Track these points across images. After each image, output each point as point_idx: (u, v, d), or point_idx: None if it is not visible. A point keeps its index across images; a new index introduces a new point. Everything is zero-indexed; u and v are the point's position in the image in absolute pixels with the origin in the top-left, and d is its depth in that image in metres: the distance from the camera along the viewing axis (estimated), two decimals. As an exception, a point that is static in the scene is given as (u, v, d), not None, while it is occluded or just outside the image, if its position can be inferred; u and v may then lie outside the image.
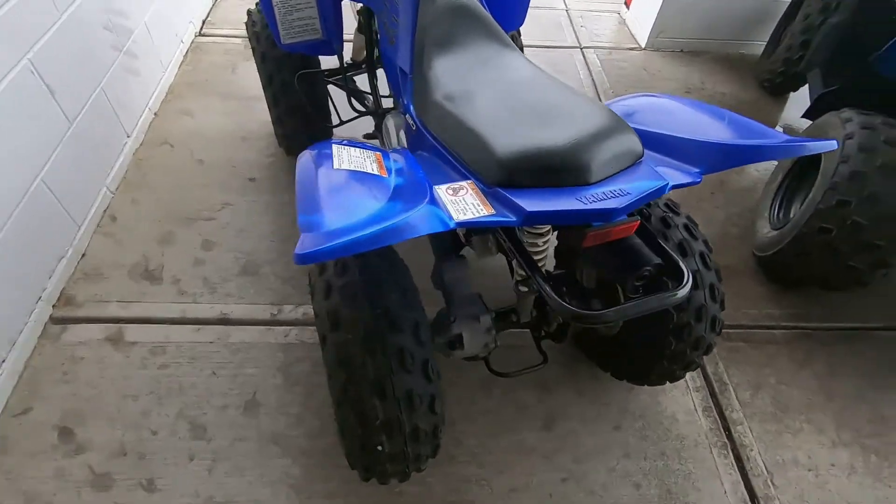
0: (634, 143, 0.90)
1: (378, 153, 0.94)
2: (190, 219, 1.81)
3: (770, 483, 1.34)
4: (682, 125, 0.97)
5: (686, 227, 1.18)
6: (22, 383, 1.38)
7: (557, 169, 0.83)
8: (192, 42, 2.58)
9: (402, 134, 1.43)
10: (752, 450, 1.40)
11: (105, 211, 1.80)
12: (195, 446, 1.30)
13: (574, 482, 1.31)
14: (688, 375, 1.51)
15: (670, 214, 1.19)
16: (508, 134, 0.88)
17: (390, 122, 1.50)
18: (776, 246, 1.68)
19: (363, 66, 1.75)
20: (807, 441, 1.42)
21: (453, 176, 0.93)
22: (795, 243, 1.59)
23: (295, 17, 1.52)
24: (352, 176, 0.85)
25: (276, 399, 1.40)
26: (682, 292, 0.86)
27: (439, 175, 0.94)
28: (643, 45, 2.88)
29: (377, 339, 0.93)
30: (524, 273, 1.06)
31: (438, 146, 1.01)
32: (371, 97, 1.69)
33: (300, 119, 1.80)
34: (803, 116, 1.85)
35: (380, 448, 0.97)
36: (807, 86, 1.97)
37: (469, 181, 0.88)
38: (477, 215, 0.78)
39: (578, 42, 2.89)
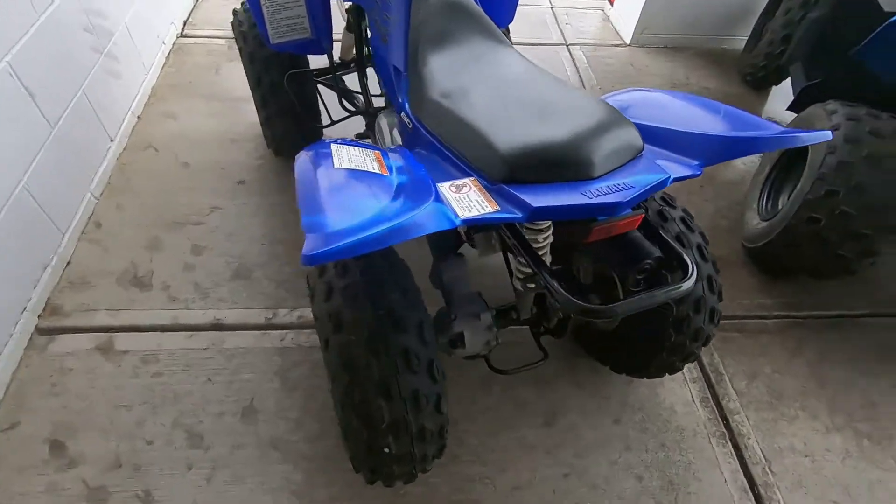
0: (634, 137, 0.90)
1: (377, 152, 0.93)
2: (178, 223, 1.77)
3: (768, 470, 1.36)
4: (678, 119, 0.97)
5: (683, 219, 1.19)
6: (8, 397, 1.34)
7: (562, 164, 0.83)
8: (174, 43, 2.53)
9: (395, 132, 1.42)
10: (749, 438, 1.42)
11: (90, 217, 1.75)
12: (193, 455, 1.28)
13: (576, 477, 1.31)
14: (685, 367, 1.52)
15: (667, 208, 1.20)
16: (509, 130, 0.88)
17: (383, 121, 1.48)
18: (766, 237, 1.70)
19: (352, 65, 1.73)
20: (802, 428, 1.45)
21: (453, 173, 0.92)
22: (785, 234, 1.62)
23: (283, 17, 1.49)
24: (353, 175, 0.83)
25: (275, 404, 1.38)
26: (688, 284, 0.86)
27: (439, 172, 0.93)
28: (628, 42, 2.90)
29: (381, 340, 0.92)
30: (527, 270, 1.05)
31: (437, 143, 1.01)
32: (361, 96, 1.67)
33: (290, 120, 1.77)
34: (788, 109, 1.89)
35: (386, 450, 0.95)
36: (789, 79, 2.01)
37: (472, 178, 0.87)
38: (482, 212, 0.78)
39: (564, 39, 2.90)
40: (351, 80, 1.78)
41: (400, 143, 1.30)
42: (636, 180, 0.83)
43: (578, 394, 1.46)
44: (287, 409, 1.37)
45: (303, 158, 0.92)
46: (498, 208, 0.79)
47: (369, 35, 1.55)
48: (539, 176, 0.83)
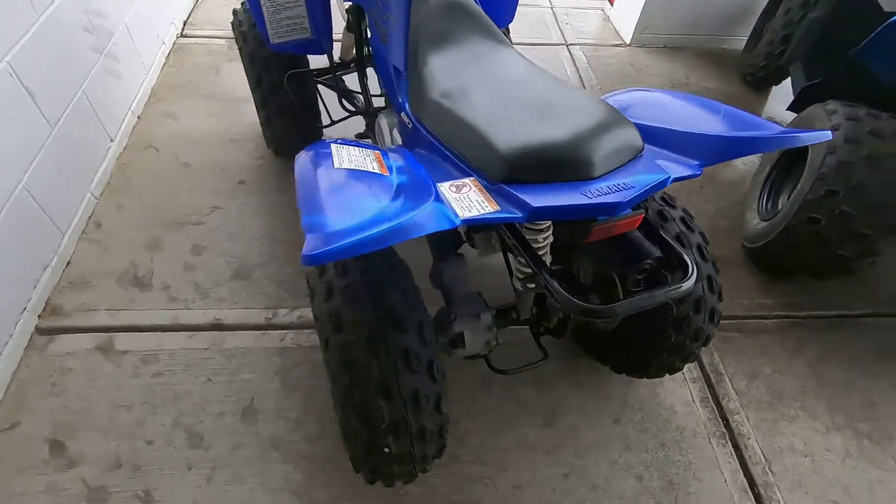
0: (634, 137, 0.90)
1: (377, 152, 0.93)
2: (178, 223, 1.77)
3: (768, 470, 1.36)
4: (678, 119, 0.97)
5: (683, 219, 1.19)
6: (9, 397, 1.34)
7: (561, 164, 0.83)
8: (174, 43, 2.53)
9: (395, 132, 1.42)
10: (749, 438, 1.42)
11: (90, 217, 1.75)
12: (193, 455, 1.28)
13: (576, 477, 1.31)
14: (685, 367, 1.52)
15: (667, 208, 1.20)
16: (509, 130, 0.88)
17: (383, 121, 1.48)
18: (766, 237, 1.70)
19: (352, 65, 1.73)
20: (802, 428, 1.45)
21: (453, 173, 0.92)
22: (785, 234, 1.62)
23: (283, 17, 1.49)
24: (353, 175, 0.83)
25: (275, 404, 1.38)
26: (688, 284, 0.86)
27: (439, 172, 0.93)
28: (628, 42, 2.90)
29: (381, 340, 0.92)
30: (527, 270, 1.05)
31: (437, 143, 1.01)
32: (361, 96, 1.67)
33: (290, 120, 1.77)
34: (788, 109, 1.89)
35: (386, 450, 0.95)
36: (789, 79, 2.01)
37: (471, 178, 0.87)
38: (482, 212, 0.78)
39: (564, 39, 2.90)
40: (351, 80, 1.78)
41: (400, 143, 1.30)
42: (636, 180, 0.83)
43: (578, 394, 1.46)
44: (287, 409, 1.37)
45: (303, 158, 0.92)
46: (498, 208, 0.79)
47: (369, 35, 1.55)
48: (539, 176, 0.83)
